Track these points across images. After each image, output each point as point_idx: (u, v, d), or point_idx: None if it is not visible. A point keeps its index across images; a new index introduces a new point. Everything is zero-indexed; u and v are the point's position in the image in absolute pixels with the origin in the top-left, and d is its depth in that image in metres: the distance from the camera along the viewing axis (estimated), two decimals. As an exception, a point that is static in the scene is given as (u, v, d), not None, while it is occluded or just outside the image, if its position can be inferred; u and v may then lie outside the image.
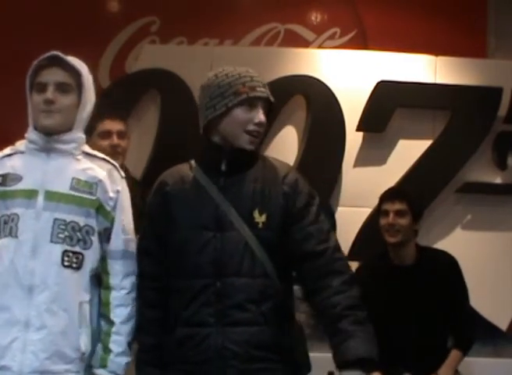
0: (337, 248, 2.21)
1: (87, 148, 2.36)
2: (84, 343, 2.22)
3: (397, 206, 3.28)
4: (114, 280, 2.29)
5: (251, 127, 2.21)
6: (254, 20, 4.29)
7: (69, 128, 2.28)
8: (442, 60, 4.17)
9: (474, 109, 4.07)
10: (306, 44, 4.31)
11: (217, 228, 2.18)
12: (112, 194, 2.30)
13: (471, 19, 4.32)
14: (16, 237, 2.19)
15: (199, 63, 4.09)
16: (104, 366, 2.26)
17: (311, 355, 2.30)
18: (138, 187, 3.43)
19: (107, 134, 3.24)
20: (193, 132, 4.03)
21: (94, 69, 4.10)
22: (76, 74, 2.27)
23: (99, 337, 2.29)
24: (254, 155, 2.28)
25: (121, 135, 3.27)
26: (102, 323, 2.29)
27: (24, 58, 4.09)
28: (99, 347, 2.27)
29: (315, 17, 4.35)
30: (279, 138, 4.12)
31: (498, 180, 4.16)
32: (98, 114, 3.34)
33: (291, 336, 2.20)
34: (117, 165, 2.39)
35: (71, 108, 2.27)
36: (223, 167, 2.23)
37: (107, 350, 2.26)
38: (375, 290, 3.22)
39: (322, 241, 2.19)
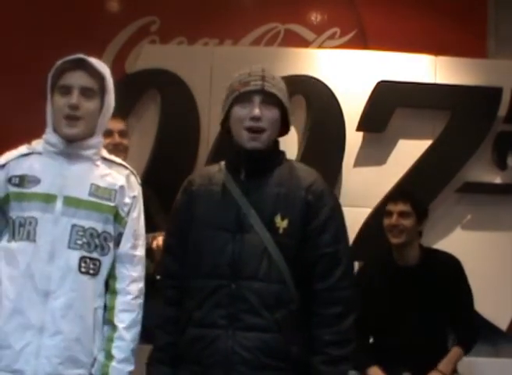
0: (345, 274, 2.15)
1: (104, 153, 2.35)
2: (98, 348, 2.21)
3: (401, 207, 3.28)
4: (120, 284, 2.27)
5: (248, 123, 2.17)
6: (254, 20, 4.29)
7: (90, 134, 2.26)
8: (442, 60, 4.17)
9: (474, 109, 4.07)
10: (306, 44, 4.30)
11: (237, 230, 2.16)
12: (128, 200, 2.30)
13: (471, 19, 4.31)
14: (34, 241, 2.17)
15: (199, 63, 4.09)
16: (105, 373, 2.20)
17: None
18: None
19: (108, 133, 3.25)
20: (193, 132, 4.08)
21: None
22: (99, 78, 2.25)
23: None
24: (275, 157, 2.24)
25: (122, 134, 3.29)
26: (106, 328, 2.25)
27: (24, 58, 4.14)
28: (101, 353, 2.23)
29: (315, 17, 4.35)
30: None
31: (498, 180, 4.15)
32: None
33: (304, 344, 2.15)
34: (134, 171, 2.37)
35: (94, 114, 2.25)
36: (242, 170, 2.21)
37: (109, 356, 2.22)
38: (377, 288, 3.23)
39: (332, 266, 2.15)
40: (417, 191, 3.63)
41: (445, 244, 3.85)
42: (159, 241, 3.04)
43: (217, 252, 2.15)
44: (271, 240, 2.13)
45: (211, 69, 4.11)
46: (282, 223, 2.14)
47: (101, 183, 2.26)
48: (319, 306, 2.14)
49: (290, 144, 4.13)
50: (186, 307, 2.21)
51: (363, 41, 4.30)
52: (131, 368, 2.25)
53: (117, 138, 3.24)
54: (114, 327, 2.24)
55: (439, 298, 3.23)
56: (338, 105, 4.07)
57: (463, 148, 4.08)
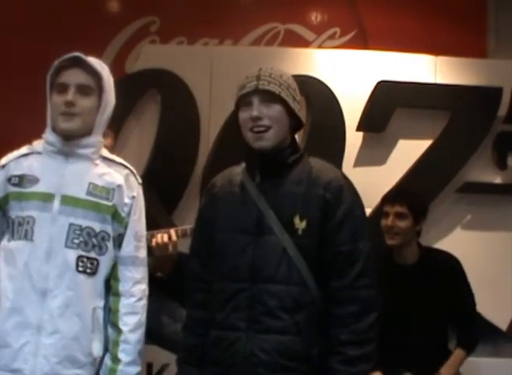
0: (363, 272, 2.13)
1: (104, 152, 2.34)
2: (96, 348, 2.21)
3: (397, 209, 3.28)
4: (123, 286, 2.27)
5: (250, 124, 2.16)
6: (254, 20, 4.29)
7: (88, 132, 2.25)
8: (442, 60, 4.17)
9: (474, 109, 4.07)
10: (306, 44, 4.31)
11: (256, 232, 2.14)
12: (127, 200, 2.29)
13: (471, 19, 4.32)
14: (32, 240, 2.18)
15: (199, 63, 4.09)
16: None
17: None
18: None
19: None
20: (193, 132, 4.08)
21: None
22: (96, 76, 2.24)
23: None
24: (289, 155, 2.19)
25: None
26: (110, 331, 2.26)
27: (24, 58, 4.14)
28: (107, 357, 2.24)
29: (315, 17, 4.35)
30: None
31: (498, 180, 4.16)
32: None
33: (326, 346, 2.12)
34: (134, 170, 2.37)
35: (91, 111, 2.24)
36: (257, 172, 2.20)
37: (116, 360, 2.23)
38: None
39: (348, 265, 2.12)
40: (416, 190, 3.62)
41: (445, 244, 3.85)
42: (158, 238, 3.05)
43: (237, 255, 2.15)
44: (290, 241, 2.11)
45: (211, 69, 4.11)
46: (301, 224, 2.12)
47: (99, 182, 2.25)
48: (335, 306, 2.11)
49: (290, 144, 4.14)
50: (210, 309, 2.21)
51: (363, 41, 4.31)
52: (138, 369, 2.26)
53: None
54: (119, 331, 2.24)
55: (439, 297, 3.23)
56: (338, 105, 4.07)
57: (463, 148, 4.09)
